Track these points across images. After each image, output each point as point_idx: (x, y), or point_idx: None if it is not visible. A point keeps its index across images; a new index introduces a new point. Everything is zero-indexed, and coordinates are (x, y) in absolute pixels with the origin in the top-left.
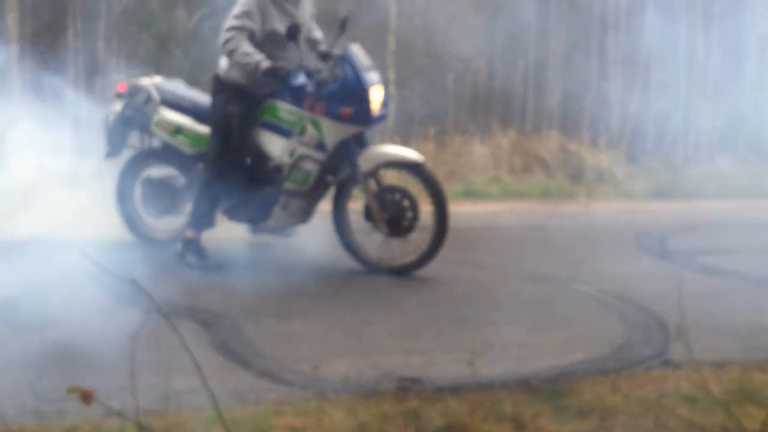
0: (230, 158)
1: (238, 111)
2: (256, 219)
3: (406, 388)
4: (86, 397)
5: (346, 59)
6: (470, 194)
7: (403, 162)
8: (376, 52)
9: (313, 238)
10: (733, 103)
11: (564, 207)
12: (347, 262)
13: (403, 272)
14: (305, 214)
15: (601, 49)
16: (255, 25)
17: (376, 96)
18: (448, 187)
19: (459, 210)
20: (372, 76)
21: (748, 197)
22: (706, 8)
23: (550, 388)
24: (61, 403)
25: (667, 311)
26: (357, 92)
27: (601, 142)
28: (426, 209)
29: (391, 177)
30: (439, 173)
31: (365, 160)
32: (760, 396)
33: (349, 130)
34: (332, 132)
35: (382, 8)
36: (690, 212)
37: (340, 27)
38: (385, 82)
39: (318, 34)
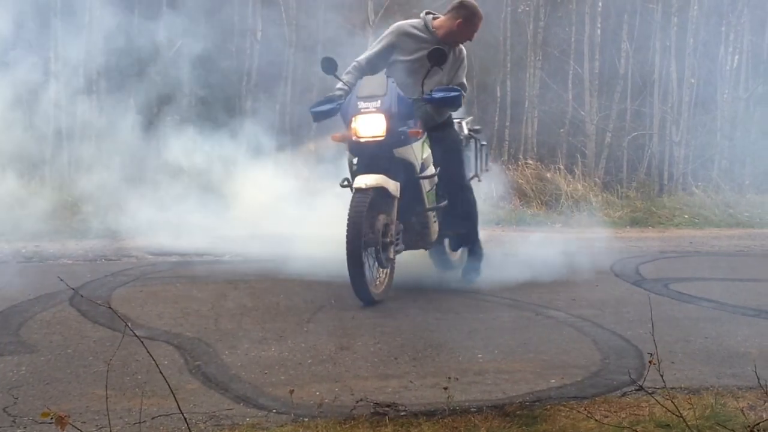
0: None
1: None
2: None
3: (381, 413)
4: (60, 422)
5: (353, 88)
6: None
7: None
8: None
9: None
10: (707, 134)
11: (540, 234)
12: (327, 288)
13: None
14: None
15: (576, 80)
16: (376, 54)
17: (360, 123)
18: None
19: None
20: (365, 104)
21: (721, 226)
22: (679, 38)
23: (525, 414)
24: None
25: (641, 337)
26: (344, 118)
27: (577, 171)
28: None
29: None
30: None
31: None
32: (733, 422)
33: (351, 155)
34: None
35: (360, 35)
36: (664, 240)
37: (428, 59)
38: None
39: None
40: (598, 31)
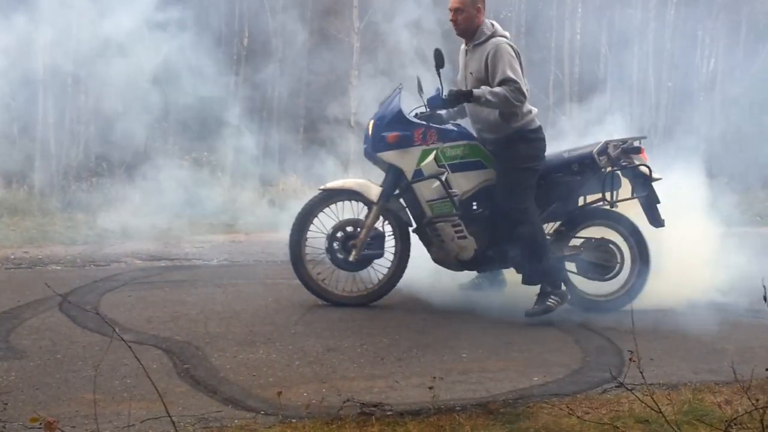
0: None
1: None
2: None
3: (368, 413)
4: (50, 427)
5: None
6: None
7: None
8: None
9: None
10: (684, 135)
11: None
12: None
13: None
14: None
15: (557, 82)
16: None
17: (370, 129)
18: None
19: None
20: (375, 112)
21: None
22: (657, 43)
23: (509, 412)
24: None
25: (621, 335)
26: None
27: None
28: None
29: None
30: None
31: None
32: (710, 417)
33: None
34: None
35: (347, 44)
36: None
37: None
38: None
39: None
40: (578, 37)
